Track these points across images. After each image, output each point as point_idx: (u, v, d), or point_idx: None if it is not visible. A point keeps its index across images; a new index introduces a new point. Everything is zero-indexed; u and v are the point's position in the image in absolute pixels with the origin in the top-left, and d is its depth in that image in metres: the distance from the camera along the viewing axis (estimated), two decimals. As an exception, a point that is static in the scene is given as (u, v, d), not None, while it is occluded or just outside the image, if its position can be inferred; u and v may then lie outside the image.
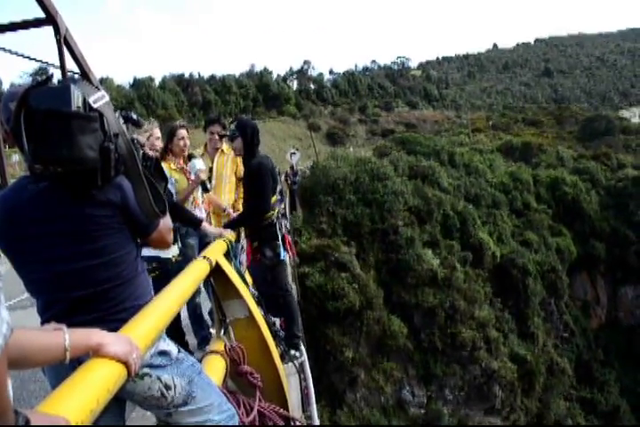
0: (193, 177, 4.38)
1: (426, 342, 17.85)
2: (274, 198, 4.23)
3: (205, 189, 4.52)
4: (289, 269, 4.99)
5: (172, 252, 3.92)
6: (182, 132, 4.48)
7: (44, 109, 1.55)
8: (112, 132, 1.66)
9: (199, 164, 4.50)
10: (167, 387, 1.75)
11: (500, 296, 21.72)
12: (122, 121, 1.79)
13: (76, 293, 1.71)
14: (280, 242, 4.25)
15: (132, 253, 1.82)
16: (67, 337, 1.19)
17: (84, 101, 1.61)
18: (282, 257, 4.28)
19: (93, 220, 1.67)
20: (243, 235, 4.74)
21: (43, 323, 1.69)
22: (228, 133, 4.57)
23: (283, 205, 4.44)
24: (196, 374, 1.87)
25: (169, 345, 1.82)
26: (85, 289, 1.72)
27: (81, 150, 1.57)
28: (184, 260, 4.37)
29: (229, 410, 2.02)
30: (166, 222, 1.89)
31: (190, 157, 4.58)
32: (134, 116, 1.91)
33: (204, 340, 4.61)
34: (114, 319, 1.69)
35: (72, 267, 1.68)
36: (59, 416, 0.99)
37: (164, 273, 3.70)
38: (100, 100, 1.66)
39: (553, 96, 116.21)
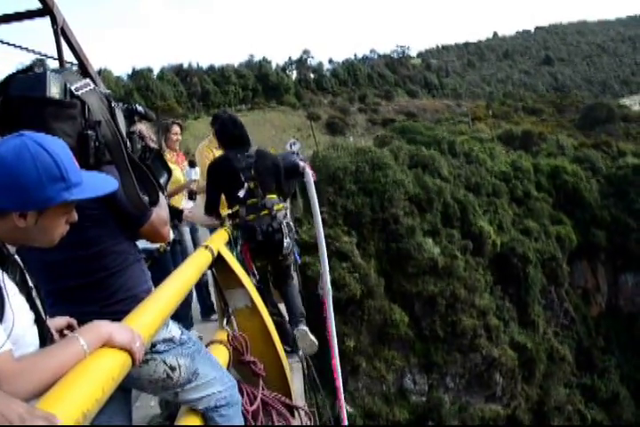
0: (187, 182, 4.63)
1: (427, 330, 17.95)
2: (236, 207, 3.79)
3: (191, 198, 4.72)
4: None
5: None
6: (175, 128, 5.01)
7: (18, 96, 1.56)
8: (94, 119, 1.64)
9: (195, 174, 4.61)
10: (172, 368, 1.79)
11: (500, 284, 21.79)
12: (119, 113, 1.77)
13: (66, 283, 1.73)
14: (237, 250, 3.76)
15: (121, 244, 1.80)
16: (83, 343, 1.19)
17: (65, 89, 1.61)
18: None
19: (77, 210, 1.67)
20: None
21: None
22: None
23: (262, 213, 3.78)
24: (197, 351, 1.91)
25: (171, 331, 1.84)
26: (75, 280, 1.73)
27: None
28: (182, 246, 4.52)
29: (230, 381, 2.07)
30: (161, 215, 1.86)
31: (192, 163, 4.82)
32: (140, 109, 1.90)
33: (210, 309, 4.99)
34: (109, 311, 1.69)
35: (60, 257, 1.68)
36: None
37: (152, 263, 3.75)
38: (83, 87, 1.65)
39: (553, 84, 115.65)
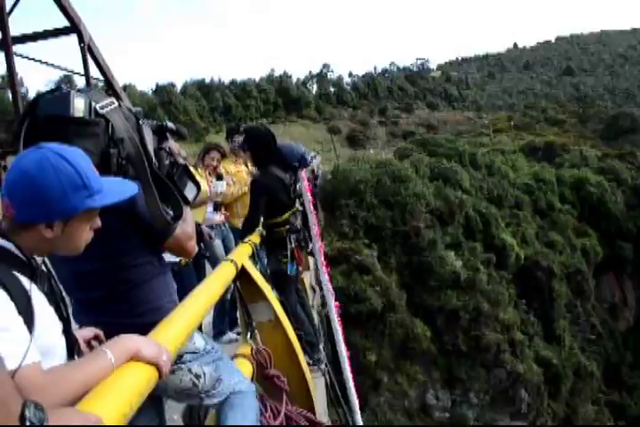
0: (213, 194, 4.79)
1: (449, 345, 17.68)
2: (286, 215, 4.20)
3: (217, 209, 5.12)
4: (305, 287, 4.88)
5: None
6: (214, 153, 5.10)
7: (44, 115, 1.61)
8: (118, 137, 1.68)
9: (222, 187, 4.88)
10: (197, 376, 1.86)
11: (524, 298, 21.43)
12: (147, 130, 1.80)
13: (90, 294, 1.78)
14: (287, 253, 4.17)
15: (144, 257, 1.83)
16: (110, 356, 1.20)
17: (90, 107, 1.65)
18: (289, 271, 4.16)
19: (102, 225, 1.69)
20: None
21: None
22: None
23: (298, 220, 4.39)
24: (220, 358, 2.00)
25: (196, 343, 1.90)
26: (98, 292, 1.78)
27: None
28: (210, 259, 4.60)
29: (246, 379, 2.19)
30: (185, 230, 1.87)
31: (220, 177, 5.00)
32: (170, 125, 1.93)
33: (220, 333, 5.02)
34: (130, 324, 1.68)
35: (84, 268, 1.73)
36: (91, 414, 0.99)
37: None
38: (107, 106, 1.70)
39: (575, 95, 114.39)
